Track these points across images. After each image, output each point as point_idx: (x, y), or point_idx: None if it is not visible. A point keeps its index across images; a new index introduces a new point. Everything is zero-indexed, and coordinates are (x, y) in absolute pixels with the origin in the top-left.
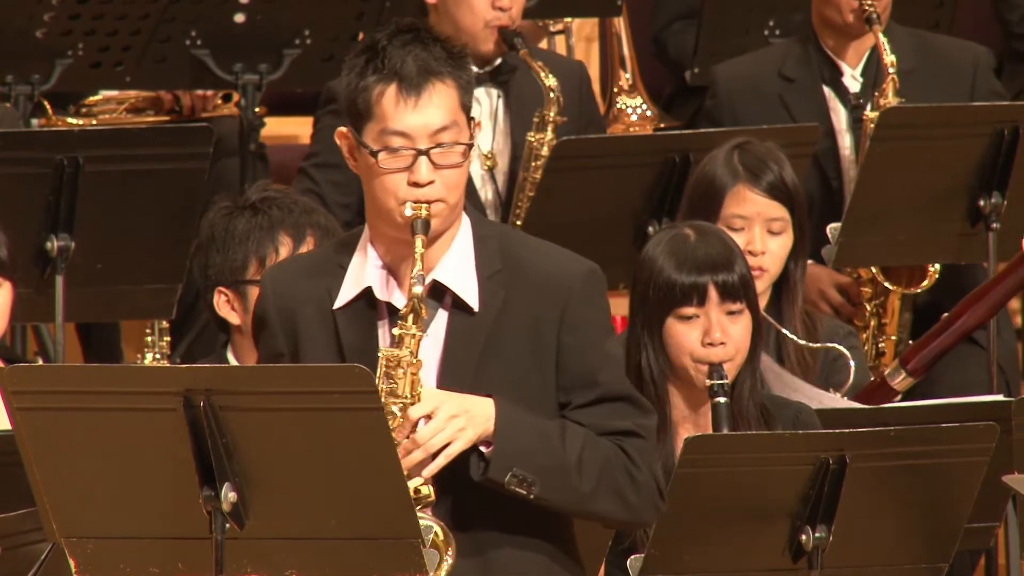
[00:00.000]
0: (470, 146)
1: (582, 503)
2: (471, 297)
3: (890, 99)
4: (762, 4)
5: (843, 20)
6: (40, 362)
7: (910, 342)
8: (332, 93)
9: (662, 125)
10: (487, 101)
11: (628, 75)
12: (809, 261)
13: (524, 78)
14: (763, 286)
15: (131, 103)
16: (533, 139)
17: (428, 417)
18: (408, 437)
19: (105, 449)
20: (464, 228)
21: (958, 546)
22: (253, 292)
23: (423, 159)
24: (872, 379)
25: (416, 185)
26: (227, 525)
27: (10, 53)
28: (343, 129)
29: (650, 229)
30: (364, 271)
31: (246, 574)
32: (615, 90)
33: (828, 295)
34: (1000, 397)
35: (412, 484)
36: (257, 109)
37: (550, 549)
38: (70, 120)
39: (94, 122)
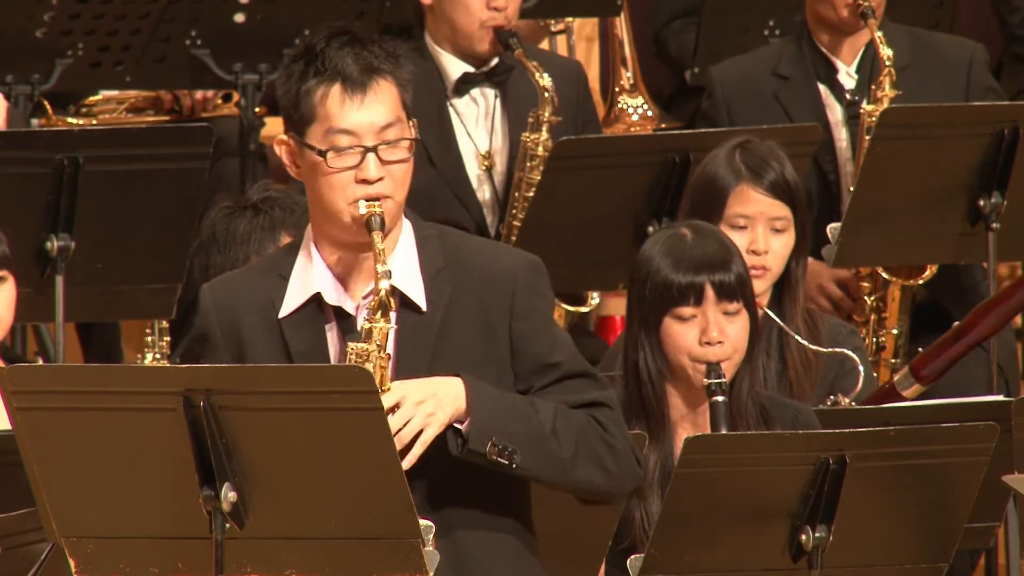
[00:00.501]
0: (414, 142)
1: (564, 470)
2: (418, 296)
3: (887, 91)
4: (762, 4)
5: (837, 16)
6: (40, 362)
7: (919, 350)
8: None
9: (662, 125)
10: (484, 101)
11: (629, 74)
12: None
13: (521, 78)
14: (765, 285)
15: (131, 103)
16: (528, 139)
17: (396, 408)
18: None
19: (105, 449)
20: (406, 229)
21: (958, 546)
22: None
23: (371, 156)
24: (882, 384)
25: (365, 182)
26: (227, 525)
27: (10, 53)
28: (283, 136)
29: (650, 229)
30: (310, 277)
31: (246, 574)
32: (616, 90)
33: (828, 290)
34: (1000, 397)
35: None
36: (257, 109)
37: (521, 531)
38: (70, 120)
39: (94, 122)
